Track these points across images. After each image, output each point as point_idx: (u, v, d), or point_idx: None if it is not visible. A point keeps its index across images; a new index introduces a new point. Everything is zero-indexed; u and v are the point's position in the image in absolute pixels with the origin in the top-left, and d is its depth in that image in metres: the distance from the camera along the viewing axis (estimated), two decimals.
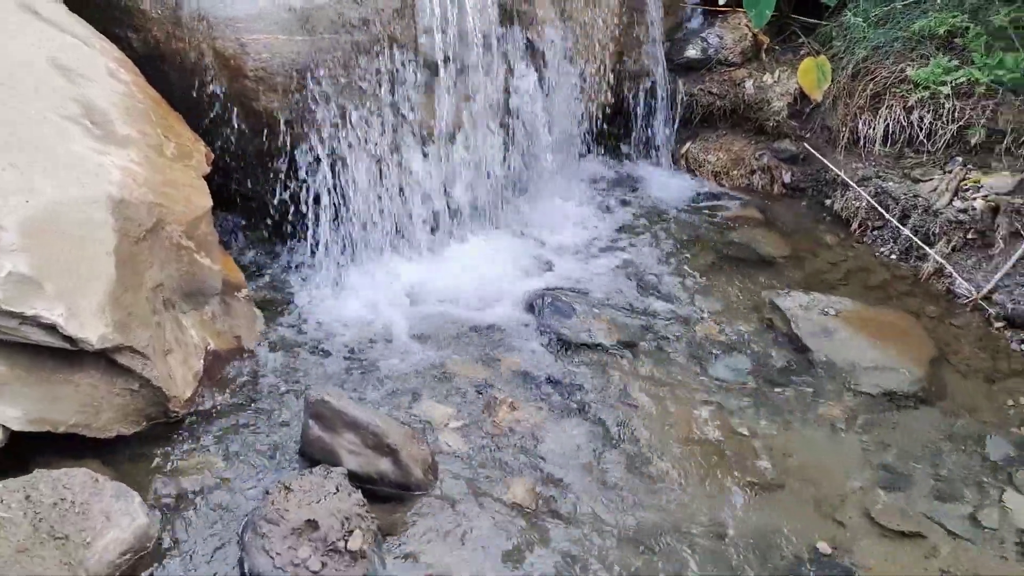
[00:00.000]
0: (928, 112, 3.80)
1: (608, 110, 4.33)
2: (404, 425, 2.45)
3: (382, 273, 3.37)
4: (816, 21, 4.24)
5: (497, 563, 2.25)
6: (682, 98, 4.37)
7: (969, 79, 3.66)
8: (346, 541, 2.07)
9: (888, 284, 3.66)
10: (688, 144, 4.44)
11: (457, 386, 2.86)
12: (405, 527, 2.32)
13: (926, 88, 3.76)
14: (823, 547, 2.41)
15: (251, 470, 2.42)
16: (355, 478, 2.35)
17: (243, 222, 3.50)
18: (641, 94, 4.36)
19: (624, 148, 4.45)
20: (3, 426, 2.24)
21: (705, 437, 2.78)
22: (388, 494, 2.39)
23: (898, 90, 3.88)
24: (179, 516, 2.27)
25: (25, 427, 2.25)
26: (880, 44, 3.93)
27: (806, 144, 4.13)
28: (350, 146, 3.23)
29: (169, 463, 2.44)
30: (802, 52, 4.23)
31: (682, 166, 4.47)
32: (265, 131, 3.16)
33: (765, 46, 4.37)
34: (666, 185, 4.34)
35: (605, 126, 4.35)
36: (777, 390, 3.02)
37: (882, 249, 3.84)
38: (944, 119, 3.76)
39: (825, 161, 3.99)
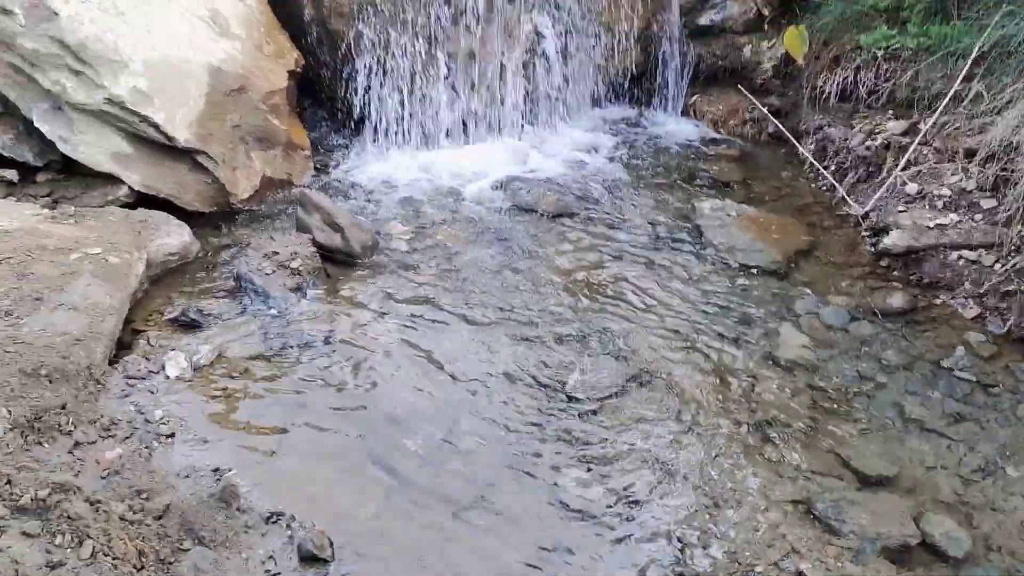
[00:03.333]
0: (871, 72, 4.60)
1: (636, 66, 5.43)
2: (353, 215, 3.79)
3: (409, 155, 4.71)
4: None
5: (395, 304, 3.51)
6: (692, 59, 5.38)
7: (900, 45, 4.44)
8: (290, 262, 3.45)
9: (808, 206, 4.50)
10: (695, 96, 5.44)
11: (420, 217, 4.15)
12: (343, 275, 3.65)
13: (870, 52, 4.56)
14: (620, 337, 3.44)
15: (268, 239, 3.83)
16: (321, 247, 3.71)
17: (326, 115, 4.98)
18: (661, 54, 5.42)
19: (643, 97, 5.50)
20: (129, 186, 3.82)
21: (585, 275, 3.85)
22: (341, 260, 3.73)
23: (853, 54, 4.70)
24: (217, 253, 3.74)
25: (140, 187, 3.83)
26: (844, 15, 4.75)
27: (773, 101, 5.01)
28: (392, 62, 4.61)
29: (223, 229, 3.93)
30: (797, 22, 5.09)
31: (690, 115, 5.46)
32: (335, 47, 4.62)
33: (769, 18, 5.28)
34: (671, 128, 5.37)
35: (630, 78, 5.43)
36: (663, 256, 4.03)
37: (820, 183, 4.67)
38: (881, 78, 4.55)
39: (770, 117, 4.87)
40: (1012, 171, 3.59)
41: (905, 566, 2.44)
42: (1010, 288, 3.41)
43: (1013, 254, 3.48)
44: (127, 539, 2.16)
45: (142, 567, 2.12)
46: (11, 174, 3.86)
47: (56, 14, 3.50)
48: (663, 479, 2.69)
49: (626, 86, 5.45)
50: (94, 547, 2.09)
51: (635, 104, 5.53)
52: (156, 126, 3.69)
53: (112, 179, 3.82)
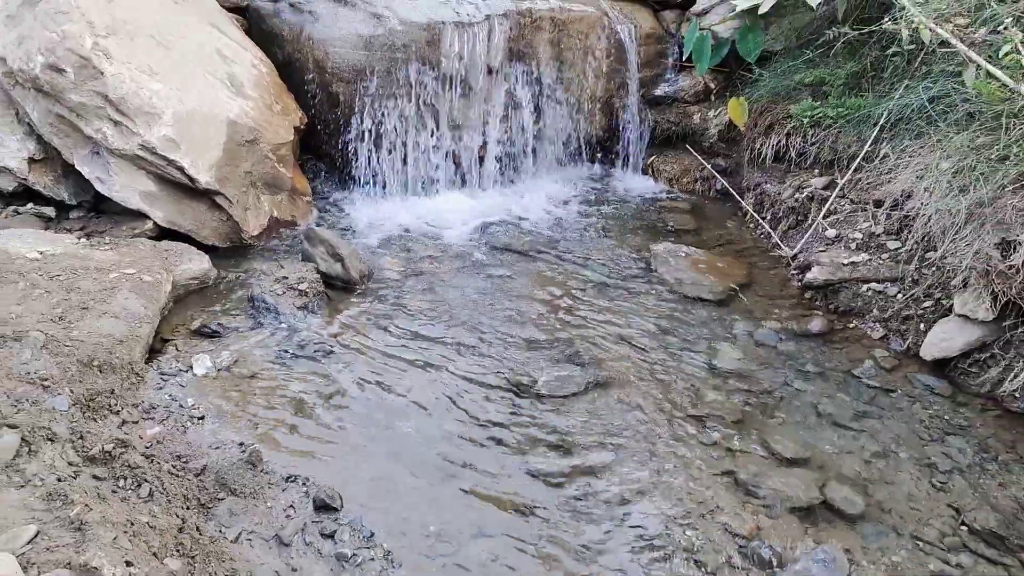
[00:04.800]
0: (799, 137, 5.33)
1: (601, 131, 6.14)
2: (352, 246, 4.38)
3: (399, 203, 5.34)
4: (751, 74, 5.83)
5: (388, 320, 4.08)
6: (650, 124, 6.11)
7: (823, 114, 5.18)
8: (298, 285, 4.02)
9: (748, 249, 5.15)
10: (653, 157, 6.15)
11: (410, 254, 4.74)
12: (342, 299, 4.22)
13: (798, 120, 5.30)
14: (583, 350, 4.03)
15: (278, 267, 4.40)
16: (324, 275, 4.28)
17: (325, 167, 5.61)
18: (623, 120, 6.14)
19: (608, 157, 6.20)
20: (154, 221, 4.40)
21: (553, 301, 4.45)
22: (341, 286, 4.30)
23: (785, 122, 5.43)
24: (231, 279, 4.30)
25: (163, 223, 4.40)
26: (776, 88, 5.50)
27: (719, 161, 5.73)
28: (385, 122, 5.27)
29: (235, 260, 4.49)
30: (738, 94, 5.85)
31: (648, 173, 6.16)
32: (336, 107, 5.28)
33: (715, 90, 6.04)
34: (632, 184, 6.05)
35: (597, 141, 6.14)
36: (621, 287, 4.64)
37: (758, 231, 5.34)
38: (808, 142, 5.27)
39: (717, 175, 5.58)
40: (911, 218, 4.27)
41: (809, 521, 2.99)
42: (909, 313, 4.05)
43: (912, 286, 4.12)
44: (175, 485, 2.67)
45: (188, 507, 2.63)
46: (49, 211, 4.42)
47: (102, 73, 4.11)
48: (614, 456, 3.24)
49: (593, 148, 6.15)
50: (151, 489, 2.60)
51: (602, 164, 6.22)
52: (181, 169, 4.28)
53: (139, 215, 4.39)
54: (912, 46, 4.48)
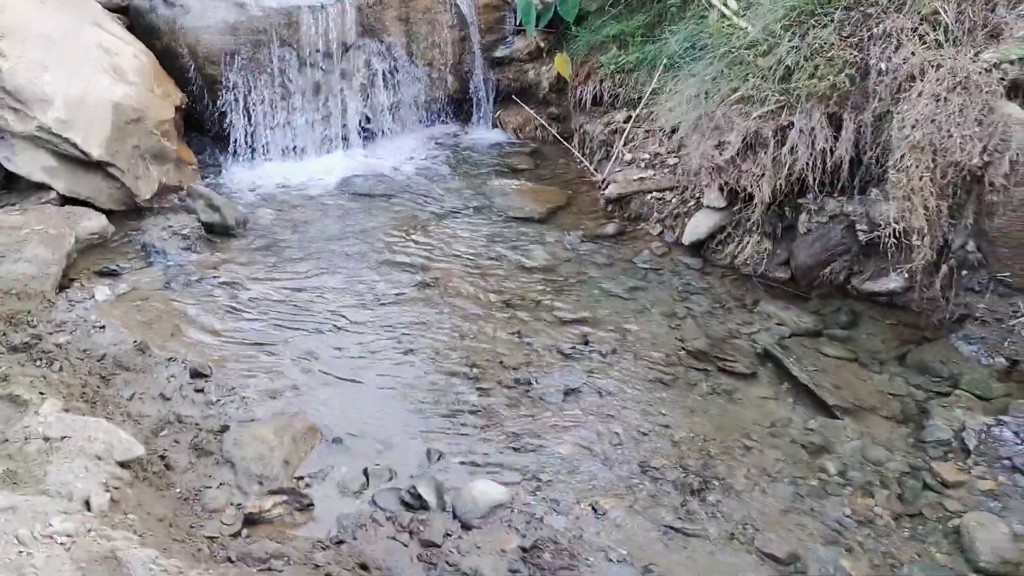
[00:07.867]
0: (610, 82, 6.35)
1: (454, 92, 7.10)
2: (226, 197, 5.29)
3: (272, 167, 6.22)
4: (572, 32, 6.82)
5: (261, 254, 5.00)
6: (494, 84, 7.09)
7: (625, 61, 6.21)
8: (181, 231, 4.92)
9: (572, 180, 6.14)
10: (500, 112, 7.13)
11: (281, 204, 5.66)
12: (222, 241, 5.13)
13: (607, 68, 6.32)
14: (421, 262, 5.00)
15: (165, 220, 5.28)
16: (205, 223, 5.18)
17: (208, 141, 6.47)
18: (472, 82, 7.11)
19: (462, 115, 7.17)
20: (57, 191, 5.25)
21: (401, 229, 5.40)
22: (221, 231, 5.20)
23: (598, 70, 6.45)
24: (127, 235, 5.17)
25: (65, 192, 5.24)
26: (590, 42, 6.51)
27: (553, 110, 6.75)
28: (254, 97, 6.16)
29: (131, 220, 5.36)
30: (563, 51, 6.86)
31: (497, 126, 7.14)
32: (211, 87, 6.15)
33: (546, 49, 7.03)
34: (483, 137, 7.01)
35: (450, 102, 7.09)
36: (461, 214, 5.60)
37: (582, 165, 6.36)
38: (616, 85, 6.30)
39: (544, 123, 6.59)
40: (682, 139, 5.33)
41: (568, 359, 4.03)
42: (678, 212, 5.11)
43: (683, 191, 5.19)
44: (81, 365, 3.58)
45: (91, 376, 3.55)
46: None
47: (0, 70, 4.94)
48: (431, 333, 4.23)
49: (447, 108, 7.09)
50: (61, 365, 3.51)
51: (456, 122, 7.16)
52: (75, 145, 5.12)
53: (43, 187, 5.22)
54: None
